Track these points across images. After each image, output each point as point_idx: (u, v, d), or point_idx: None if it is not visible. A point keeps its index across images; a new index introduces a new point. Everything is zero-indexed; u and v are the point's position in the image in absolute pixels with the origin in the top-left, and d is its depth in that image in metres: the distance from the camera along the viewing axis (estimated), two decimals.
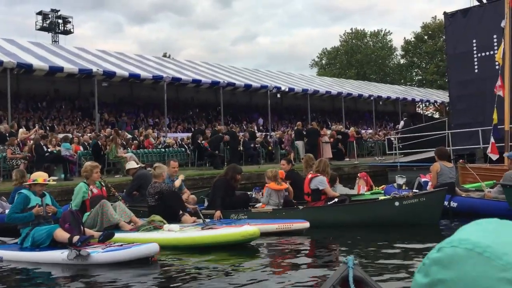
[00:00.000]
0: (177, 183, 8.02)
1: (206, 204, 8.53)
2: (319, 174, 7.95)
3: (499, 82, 9.84)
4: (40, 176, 6.16)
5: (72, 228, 5.72)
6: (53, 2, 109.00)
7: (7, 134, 14.25)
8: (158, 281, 4.94)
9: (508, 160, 7.46)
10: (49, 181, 6.21)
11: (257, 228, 6.22)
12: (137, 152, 15.92)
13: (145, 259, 5.43)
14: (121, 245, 5.62)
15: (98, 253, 5.39)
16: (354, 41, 63.64)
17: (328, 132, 21.01)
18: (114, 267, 5.28)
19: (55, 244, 5.75)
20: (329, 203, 7.87)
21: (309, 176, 7.97)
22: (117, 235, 6.09)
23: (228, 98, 29.14)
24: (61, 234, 5.67)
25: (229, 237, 6.03)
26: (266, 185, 8.07)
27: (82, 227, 5.90)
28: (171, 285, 4.72)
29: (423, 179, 8.79)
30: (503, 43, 9.96)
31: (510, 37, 9.98)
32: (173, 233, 6.20)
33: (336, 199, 7.96)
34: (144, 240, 5.81)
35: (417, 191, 7.99)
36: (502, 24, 10.07)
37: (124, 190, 9.36)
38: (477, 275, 0.63)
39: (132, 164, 9.64)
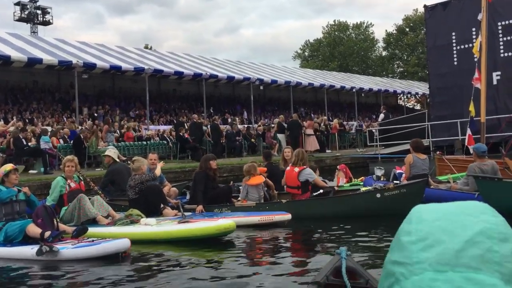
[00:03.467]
0: (157, 171, 7.85)
1: (188, 197, 8.50)
2: (305, 166, 8.03)
3: (476, 75, 9.99)
4: (7, 166, 6.07)
5: (45, 224, 5.66)
6: None
7: None
8: (127, 277, 4.84)
9: (474, 152, 7.59)
10: (16, 169, 6.10)
11: (233, 221, 6.21)
12: (118, 145, 15.78)
13: (116, 255, 5.36)
14: (93, 240, 5.55)
15: (67, 249, 5.32)
16: (336, 33, 63.81)
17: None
18: (85, 263, 5.22)
19: (27, 240, 5.68)
20: (314, 194, 8.01)
21: (296, 169, 7.98)
22: (93, 230, 6.05)
23: (210, 90, 29.04)
24: (33, 229, 5.62)
25: (204, 230, 6.01)
26: (244, 180, 8.11)
27: (56, 222, 5.83)
28: (140, 281, 4.67)
29: (398, 171, 8.94)
30: (479, 36, 10.10)
31: (486, 30, 10.13)
32: (149, 227, 6.17)
33: (321, 190, 8.12)
34: (118, 235, 5.76)
35: (398, 182, 8.10)
36: (479, 17, 10.20)
37: None
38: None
39: (110, 152, 9.54)
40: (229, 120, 24.92)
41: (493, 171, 7.20)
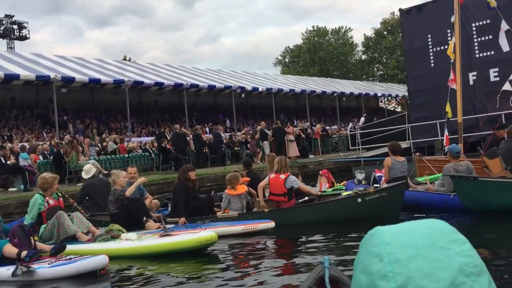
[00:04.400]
0: (128, 192, 7.47)
1: (170, 208, 8.42)
2: (289, 173, 8.08)
3: (451, 76, 10.14)
4: None
5: (22, 243, 5.55)
6: (7, 8, 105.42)
7: None
8: None
9: (448, 153, 7.69)
10: None
11: (215, 232, 6.15)
12: (99, 159, 15.61)
13: (94, 273, 5.23)
14: (70, 258, 5.44)
15: (44, 269, 5.21)
16: (316, 39, 64.34)
17: (295, 129, 21.17)
18: (62, 282, 5.11)
19: (4, 260, 5.56)
20: (299, 200, 8.08)
21: (282, 176, 7.97)
22: (72, 247, 5.93)
23: (192, 100, 28.98)
24: (9, 249, 5.51)
25: (185, 244, 5.94)
26: (226, 190, 8.08)
27: (33, 242, 5.72)
28: None
29: (377, 174, 9.02)
30: (453, 37, 10.25)
31: (459, 31, 10.30)
32: (130, 242, 6.08)
33: (306, 197, 8.23)
34: (99, 252, 5.65)
35: (378, 185, 8.15)
36: (452, 20, 10.38)
37: None
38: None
39: (86, 173, 9.46)
40: (210, 129, 24.87)
41: (468, 171, 7.29)
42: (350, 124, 27.37)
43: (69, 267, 5.20)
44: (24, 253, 5.43)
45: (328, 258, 2.27)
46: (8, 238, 5.74)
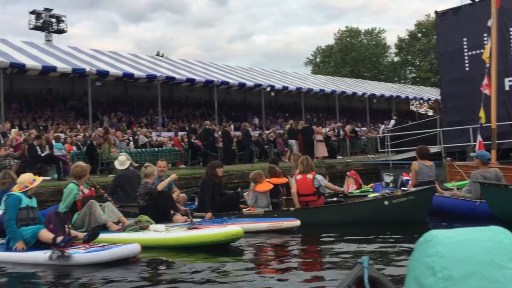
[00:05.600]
0: (160, 186, 7.76)
1: (196, 202, 8.56)
2: (315, 172, 8.14)
3: (485, 81, 9.95)
4: (26, 180, 6.21)
5: (57, 229, 5.78)
6: (47, 2, 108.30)
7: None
8: (137, 281, 4.90)
9: (476, 159, 7.54)
10: (34, 180, 6.25)
11: (241, 227, 6.24)
12: (130, 151, 15.95)
13: (126, 260, 5.45)
14: (104, 245, 5.65)
15: (79, 254, 5.43)
16: (348, 39, 63.75)
17: (323, 130, 21.13)
18: (96, 268, 5.31)
19: (40, 245, 5.80)
20: (328, 200, 8.22)
21: (310, 176, 8.02)
22: (103, 236, 6.14)
23: (222, 97, 29.20)
24: (45, 234, 5.74)
25: (212, 237, 6.05)
26: (251, 187, 8.15)
27: (67, 228, 5.95)
28: (149, 286, 4.72)
29: (405, 178, 8.94)
30: (489, 42, 10.05)
31: (496, 36, 10.09)
32: (158, 233, 6.23)
33: (335, 198, 8.39)
34: (128, 241, 5.84)
35: (405, 189, 8.10)
36: (489, 23, 10.17)
37: None
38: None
39: (120, 164, 9.66)
40: (237, 126, 25.00)
41: (496, 178, 7.15)
42: (382, 126, 27.08)
43: (103, 253, 5.41)
44: (59, 238, 5.65)
45: (367, 258, 2.26)
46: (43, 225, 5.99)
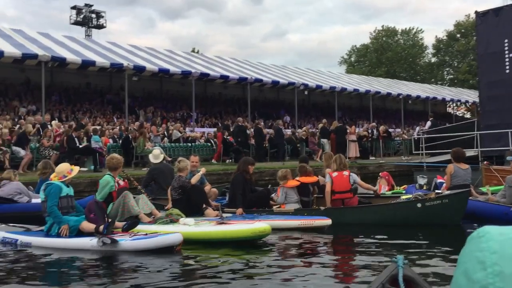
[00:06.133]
0: (193, 180, 7.97)
1: (227, 198, 8.67)
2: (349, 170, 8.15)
3: None
4: (64, 170, 6.45)
5: (97, 218, 6.02)
6: None
7: (39, 126, 14.81)
8: (183, 270, 5.13)
9: (511, 163, 7.35)
10: (72, 169, 6.49)
11: (269, 224, 6.28)
12: (164, 146, 16.23)
13: (170, 249, 5.67)
14: (146, 234, 5.87)
15: (126, 241, 5.68)
16: (384, 39, 62.79)
17: (357, 130, 20.93)
18: (140, 255, 5.52)
19: (81, 233, 6.06)
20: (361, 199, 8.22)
21: (346, 173, 7.98)
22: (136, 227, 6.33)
23: (255, 94, 29.32)
24: (87, 226, 6.03)
25: (239, 233, 6.12)
26: (281, 184, 8.16)
27: (106, 217, 6.17)
28: (197, 276, 4.86)
29: (439, 180, 8.80)
30: None
31: None
32: (187, 227, 6.35)
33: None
34: (158, 233, 6.00)
35: (439, 192, 7.97)
36: None
37: None
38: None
39: (154, 157, 9.86)
40: (269, 124, 25.02)
41: None
42: (417, 128, 26.60)
43: (149, 241, 5.65)
44: (101, 227, 5.92)
45: (402, 257, 2.24)
46: (83, 215, 6.23)
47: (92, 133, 14.98)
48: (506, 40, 14.80)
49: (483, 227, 0.75)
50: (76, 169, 6.65)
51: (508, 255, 0.67)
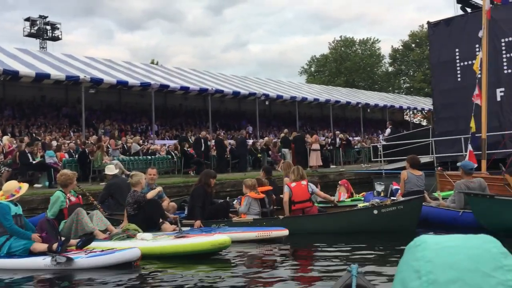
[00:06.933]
0: (149, 195, 7.68)
1: (186, 211, 8.53)
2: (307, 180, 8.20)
3: (476, 91, 10.03)
4: (12, 189, 6.17)
5: (50, 237, 5.81)
6: (41, 8, 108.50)
7: None
8: (142, 285, 4.98)
9: (461, 169, 7.58)
10: (20, 187, 6.22)
11: (228, 236, 6.21)
12: (123, 159, 15.90)
13: (128, 264, 5.52)
14: (102, 250, 5.69)
15: (82, 258, 5.48)
16: (343, 49, 64.13)
17: (321, 140, 21.16)
18: (97, 272, 5.34)
19: (32, 253, 5.81)
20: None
21: (304, 182, 8.02)
22: (91, 244, 6.12)
23: (216, 105, 29.23)
24: (39, 246, 5.79)
25: (198, 246, 6.02)
26: (246, 194, 8.11)
27: (58, 235, 5.92)
28: None
29: (394, 187, 8.97)
30: (480, 53, 10.14)
31: (486, 47, 10.18)
32: (145, 242, 6.20)
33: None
34: (118, 248, 5.83)
35: (395, 198, 8.10)
36: (480, 35, 10.26)
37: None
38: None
39: (109, 170, 9.64)
40: (231, 136, 24.98)
41: (480, 188, 7.18)
42: (381, 136, 27.17)
43: (107, 258, 5.48)
44: (55, 245, 5.70)
45: (357, 267, 2.23)
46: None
47: (47, 148, 14.51)
48: (457, 50, 15.33)
49: (420, 236, 0.78)
50: (24, 186, 6.36)
51: (442, 263, 0.69)
